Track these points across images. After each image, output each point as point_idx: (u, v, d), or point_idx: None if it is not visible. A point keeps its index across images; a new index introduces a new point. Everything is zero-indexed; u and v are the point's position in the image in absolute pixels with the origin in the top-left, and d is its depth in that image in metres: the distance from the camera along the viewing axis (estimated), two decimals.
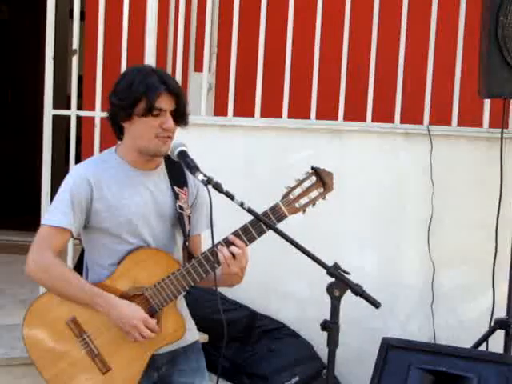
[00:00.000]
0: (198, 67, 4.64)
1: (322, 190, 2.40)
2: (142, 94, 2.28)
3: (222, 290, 4.08)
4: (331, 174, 2.42)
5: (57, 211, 2.34)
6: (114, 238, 2.38)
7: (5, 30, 6.84)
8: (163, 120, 2.33)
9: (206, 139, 4.16)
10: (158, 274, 2.35)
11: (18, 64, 6.80)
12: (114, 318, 2.31)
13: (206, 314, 3.88)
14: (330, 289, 2.26)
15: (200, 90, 4.29)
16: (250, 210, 2.31)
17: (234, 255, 2.30)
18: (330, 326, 2.31)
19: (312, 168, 2.40)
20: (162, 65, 4.54)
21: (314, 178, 2.39)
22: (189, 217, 2.47)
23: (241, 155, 4.20)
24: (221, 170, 4.00)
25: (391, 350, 3.27)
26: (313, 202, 2.41)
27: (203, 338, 3.94)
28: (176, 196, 2.44)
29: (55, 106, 4.04)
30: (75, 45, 4.08)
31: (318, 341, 4.03)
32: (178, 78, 4.18)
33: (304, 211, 2.40)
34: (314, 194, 2.40)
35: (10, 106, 7.15)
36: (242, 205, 2.29)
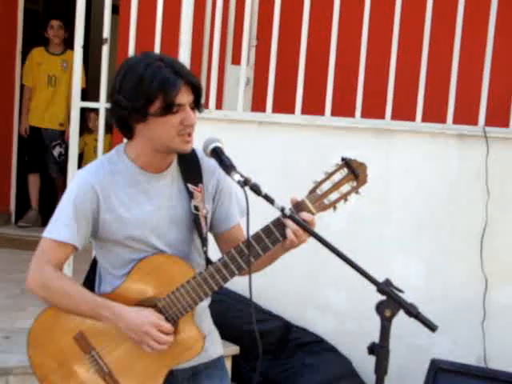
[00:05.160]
0: (236, 60, 4.42)
1: (354, 183, 2.11)
2: (156, 91, 2.01)
3: (255, 298, 3.94)
4: (364, 164, 2.12)
5: (59, 223, 2.11)
6: (125, 247, 2.15)
7: (39, 22, 6.74)
8: (184, 116, 2.06)
9: (243, 136, 3.98)
10: (172, 282, 2.11)
11: None
12: (123, 330, 2.08)
13: (237, 324, 3.68)
14: (380, 308, 2.00)
15: (237, 84, 4.06)
16: (291, 217, 2.03)
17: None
18: (379, 351, 2.04)
19: (342, 159, 2.11)
20: (197, 57, 4.35)
21: (345, 171, 2.10)
22: (205, 217, 2.22)
23: (279, 154, 4.00)
24: (257, 169, 3.88)
25: (440, 373, 3.02)
26: (344, 197, 2.11)
27: (234, 350, 3.75)
28: (190, 195, 2.19)
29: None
30: (106, 34, 3.87)
31: (358, 356, 3.83)
32: (215, 71, 3.98)
33: (335, 208, 2.12)
34: (345, 188, 2.10)
35: None
36: (282, 210, 2.03)
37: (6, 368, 3.25)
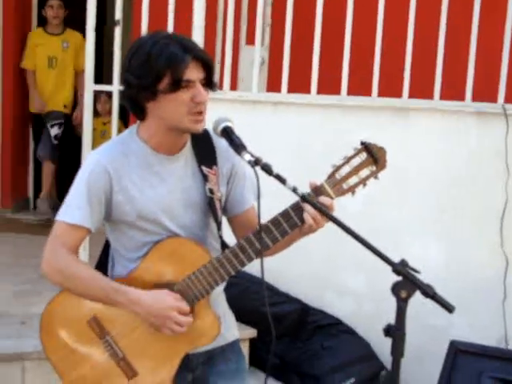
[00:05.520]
0: (250, 40, 4.35)
1: (373, 168, 2.07)
2: (164, 67, 1.96)
3: (272, 281, 3.93)
4: (383, 149, 2.09)
5: (72, 206, 2.08)
6: (139, 230, 2.12)
7: None
8: (194, 92, 2.01)
9: (258, 117, 3.92)
10: (188, 266, 2.08)
11: None
12: (142, 315, 2.05)
13: (255, 306, 3.65)
14: (395, 289, 1.95)
15: (252, 64, 4.00)
16: (303, 197, 1.99)
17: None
18: (395, 333, 2.00)
19: (361, 143, 2.07)
20: (211, 37, 4.29)
21: (364, 155, 2.07)
22: (219, 200, 2.18)
23: (294, 135, 3.94)
24: (272, 150, 3.83)
25: (460, 354, 2.97)
26: (363, 181, 2.08)
27: (251, 333, 3.73)
28: (205, 178, 2.14)
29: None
30: (118, 15, 3.82)
31: (376, 338, 3.78)
32: (228, 51, 3.93)
33: (353, 193, 2.09)
34: (364, 172, 2.08)
35: None
36: (294, 190, 1.99)
37: (22, 353, 3.24)
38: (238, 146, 2.00)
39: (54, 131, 5.86)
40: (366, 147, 2.06)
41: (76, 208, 2.06)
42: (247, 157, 1.97)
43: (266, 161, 1.99)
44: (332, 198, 2.06)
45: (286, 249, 2.19)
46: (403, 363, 3.44)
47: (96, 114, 6.09)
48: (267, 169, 1.97)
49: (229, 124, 2.06)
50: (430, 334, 3.79)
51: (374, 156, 2.06)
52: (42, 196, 5.91)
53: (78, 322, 2.11)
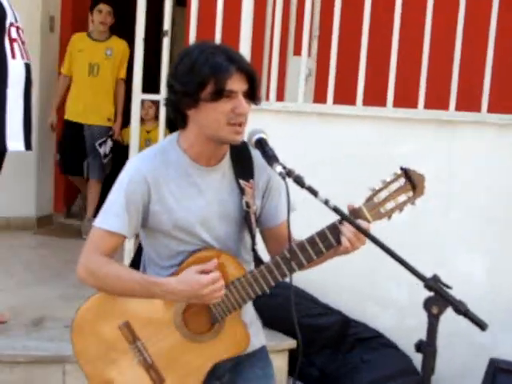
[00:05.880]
0: (298, 51, 4.35)
1: (411, 193, 2.09)
2: (208, 75, 1.99)
3: (314, 292, 3.91)
4: (423, 176, 2.10)
5: (110, 213, 2.11)
6: (174, 239, 2.14)
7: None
8: (236, 103, 2.02)
9: (303, 128, 3.91)
10: (222, 279, 2.08)
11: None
12: (181, 301, 2.08)
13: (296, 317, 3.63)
14: (427, 305, 1.96)
15: (298, 75, 4.00)
16: (336, 209, 1.99)
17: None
18: (426, 349, 1.98)
19: (401, 169, 2.09)
20: (258, 48, 4.31)
21: (402, 180, 2.08)
22: (254, 214, 2.19)
23: (340, 147, 3.91)
24: (318, 161, 3.85)
25: (500, 372, 2.89)
26: (400, 207, 2.09)
27: (291, 343, 3.70)
28: (242, 191, 2.16)
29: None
30: (166, 26, 3.88)
31: (418, 353, 3.70)
32: (275, 62, 3.95)
33: (390, 217, 2.10)
34: (401, 198, 2.09)
35: None
36: (326, 202, 1.99)
37: (64, 356, 3.29)
38: (270, 158, 2.01)
39: (103, 150, 5.59)
40: (406, 173, 2.07)
41: (114, 215, 2.09)
42: (278, 168, 1.97)
43: (298, 173, 1.99)
44: (369, 221, 2.07)
45: (320, 265, 2.18)
46: (447, 381, 3.41)
47: (141, 121, 6.10)
48: (299, 181, 1.97)
49: (263, 135, 2.07)
50: (474, 352, 3.72)
51: (412, 182, 2.07)
52: (88, 218, 5.52)
53: (109, 326, 2.13)
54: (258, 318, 2.32)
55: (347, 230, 2.03)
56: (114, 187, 2.13)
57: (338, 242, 2.05)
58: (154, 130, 5.69)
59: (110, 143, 5.65)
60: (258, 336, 2.30)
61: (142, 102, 5.45)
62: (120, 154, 5.36)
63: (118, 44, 5.66)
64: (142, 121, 5.68)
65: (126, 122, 5.73)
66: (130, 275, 2.10)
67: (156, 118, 5.53)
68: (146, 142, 5.72)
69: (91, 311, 2.18)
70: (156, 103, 5.36)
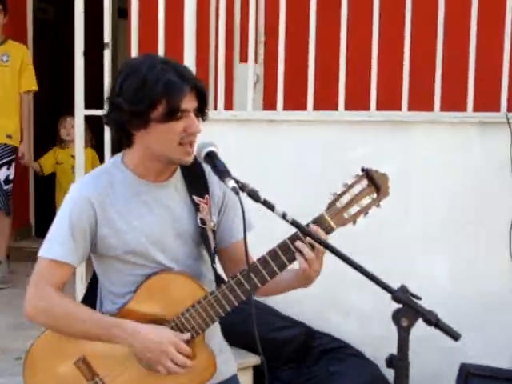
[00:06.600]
0: (244, 58, 4.27)
1: (375, 195, 1.99)
2: (160, 95, 1.88)
3: (274, 304, 3.81)
4: (386, 175, 2.00)
5: (54, 241, 1.99)
6: (127, 263, 2.02)
7: (51, 31, 6.66)
8: (188, 123, 1.93)
9: (253, 136, 3.85)
10: (182, 302, 1.98)
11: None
12: (138, 349, 1.95)
13: (258, 332, 3.53)
14: (396, 317, 1.86)
15: (246, 82, 3.93)
16: (294, 223, 1.89)
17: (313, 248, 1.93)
18: (398, 364, 1.90)
19: (362, 169, 1.99)
20: (203, 57, 4.21)
21: (365, 182, 1.98)
22: (213, 231, 2.09)
23: (292, 153, 3.84)
24: (269, 169, 3.77)
25: (471, 377, 2.84)
26: (365, 210, 1.99)
27: (255, 360, 3.60)
28: (196, 208, 2.05)
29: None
30: (106, 38, 3.76)
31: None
32: (221, 70, 3.87)
33: (354, 222, 2.00)
34: (365, 200, 1.99)
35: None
36: (284, 216, 1.88)
37: None
38: (221, 172, 1.90)
39: (3, 173, 4.65)
40: (368, 174, 1.97)
41: (58, 244, 1.97)
42: (231, 183, 1.86)
43: (253, 187, 1.88)
44: (333, 228, 1.97)
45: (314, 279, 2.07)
46: None
47: (61, 144, 5.11)
48: (254, 195, 1.86)
49: (213, 149, 1.96)
50: (444, 355, 3.65)
51: (375, 183, 1.97)
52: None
53: (64, 361, 2.01)
54: (226, 344, 2.21)
55: (302, 245, 1.93)
56: (58, 214, 2.02)
57: (292, 261, 1.96)
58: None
59: (12, 167, 4.72)
60: (228, 364, 2.19)
61: (64, 120, 4.99)
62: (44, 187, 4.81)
63: (16, 49, 4.89)
64: (64, 143, 5.07)
65: (41, 145, 5.28)
66: (87, 315, 1.98)
67: None
68: (73, 169, 4.75)
69: (45, 345, 2.05)
70: None
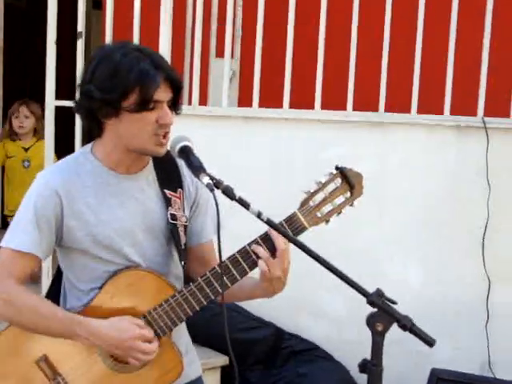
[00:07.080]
0: (220, 53, 4.21)
1: (348, 194, 1.95)
2: (133, 84, 1.81)
3: (244, 305, 3.76)
4: (360, 175, 1.96)
5: (18, 231, 1.91)
6: (93, 258, 1.95)
7: (23, 20, 6.56)
8: (161, 114, 1.87)
9: (228, 133, 3.80)
10: (148, 301, 1.92)
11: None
12: (104, 348, 1.90)
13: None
14: (370, 322, 1.82)
15: (222, 77, 3.86)
16: (269, 222, 1.83)
17: (274, 254, 1.88)
18: (371, 369, 1.85)
19: (336, 168, 1.94)
20: (179, 50, 4.14)
21: (339, 181, 1.93)
22: (185, 226, 2.03)
23: (267, 151, 3.81)
24: (244, 167, 3.72)
25: (441, 383, 2.81)
26: (338, 210, 1.95)
27: (223, 360, 3.55)
28: (168, 202, 1.98)
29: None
30: (80, 28, 3.69)
31: (356, 364, 3.61)
32: (197, 64, 3.81)
33: (327, 222, 1.95)
34: (339, 199, 1.94)
35: None
36: (259, 215, 1.82)
37: None
38: (195, 168, 1.83)
39: None
40: (342, 172, 1.92)
41: (22, 233, 1.89)
42: (205, 180, 1.79)
43: (227, 184, 1.82)
44: (306, 227, 1.92)
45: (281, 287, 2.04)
46: None
47: (13, 136, 4.64)
48: (229, 192, 1.79)
49: (187, 143, 1.90)
50: (413, 360, 3.65)
51: (349, 182, 1.92)
52: None
53: (25, 361, 1.94)
54: (192, 345, 2.16)
55: (259, 250, 1.89)
56: (22, 204, 1.94)
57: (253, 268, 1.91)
58: (34, 147, 4.65)
59: None
60: (194, 365, 2.14)
61: (16, 109, 4.56)
62: None
63: None
64: (15, 135, 4.65)
65: None
66: (50, 310, 1.91)
67: (35, 131, 4.66)
68: (24, 163, 4.61)
69: (3, 345, 1.97)
70: (35, 114, 4.55)
